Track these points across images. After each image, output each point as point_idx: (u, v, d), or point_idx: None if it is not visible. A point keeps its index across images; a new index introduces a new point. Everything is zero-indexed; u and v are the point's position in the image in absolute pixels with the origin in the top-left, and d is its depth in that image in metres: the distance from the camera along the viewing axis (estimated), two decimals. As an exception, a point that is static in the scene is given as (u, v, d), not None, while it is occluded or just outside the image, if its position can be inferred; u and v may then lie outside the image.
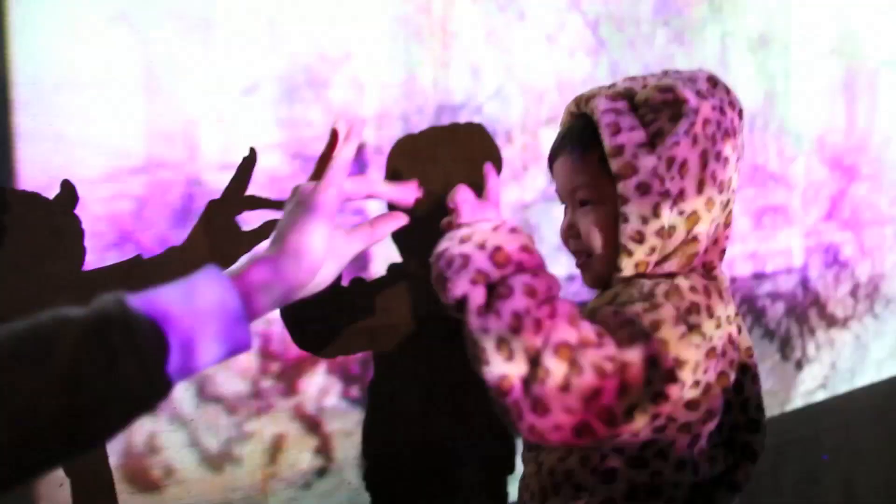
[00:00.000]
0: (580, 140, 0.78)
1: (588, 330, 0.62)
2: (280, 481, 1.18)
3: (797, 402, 2.11)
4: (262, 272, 0.55)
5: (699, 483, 0.75)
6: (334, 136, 0.65)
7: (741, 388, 0.81)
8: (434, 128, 1.30)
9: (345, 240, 0.64)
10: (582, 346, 0.60)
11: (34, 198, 0.97)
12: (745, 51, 1.95)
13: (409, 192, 0.68)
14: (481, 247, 0.63)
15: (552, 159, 0.84)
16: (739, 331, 0.81)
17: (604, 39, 1.58)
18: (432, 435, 1.29)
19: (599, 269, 0.79)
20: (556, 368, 0.59)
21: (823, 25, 2.18)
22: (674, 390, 0.64)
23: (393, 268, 1.27)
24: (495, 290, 0.62)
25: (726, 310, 0.73)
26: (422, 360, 1.25)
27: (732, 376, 0.75)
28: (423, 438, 1.29)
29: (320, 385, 1.23)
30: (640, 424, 0.63)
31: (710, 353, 0.68)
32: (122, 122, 1.02)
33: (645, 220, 0.71)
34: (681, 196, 0.71)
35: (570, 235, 0.82)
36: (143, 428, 1.05)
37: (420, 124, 1.30)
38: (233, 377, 1.13)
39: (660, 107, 0.72)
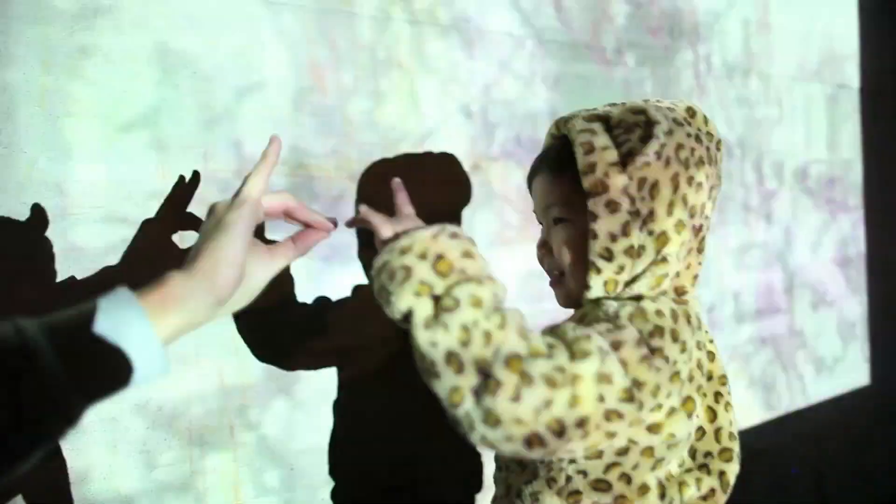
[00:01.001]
0: (556, 159, 0.81)
1: (538, 341, 0.62)
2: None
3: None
4: (174, 290, 0.54)
5: None
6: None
7: (714, 415, 0.82)
8: (406, 154, 1.31)
9: (266, 256, 0.65)
10: (532, 356, 0.60)
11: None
12: (722, 77, 1.94)
13: (325, 223, 0.70)
14: (422, 257, 0.63)
15: (531, 179, 0.86)
16: (712, 358, 0.82)
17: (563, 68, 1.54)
18: (400, 453, 1.28)
19: (571, 287, 0.79)
20: (507, 380, 0.58)
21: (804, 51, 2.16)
22: (628, 410, 0.64)
23: (358, 289, 1.26)
24: (441, 303, 0.61)
25: (694, 335, 0.73)
26: (388, 378, 1.24)
27: (699, 401, 0.75)
28: (390, 456, 1.27)
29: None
30: (595, 440, 0.63)
31: (674, 377, 0.69)
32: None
33: (614, 238, 0.72)
34: (651, 216, 0.72)
35: (544, 253, 0.83)
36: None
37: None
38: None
39: (632, 127, 0.74)
